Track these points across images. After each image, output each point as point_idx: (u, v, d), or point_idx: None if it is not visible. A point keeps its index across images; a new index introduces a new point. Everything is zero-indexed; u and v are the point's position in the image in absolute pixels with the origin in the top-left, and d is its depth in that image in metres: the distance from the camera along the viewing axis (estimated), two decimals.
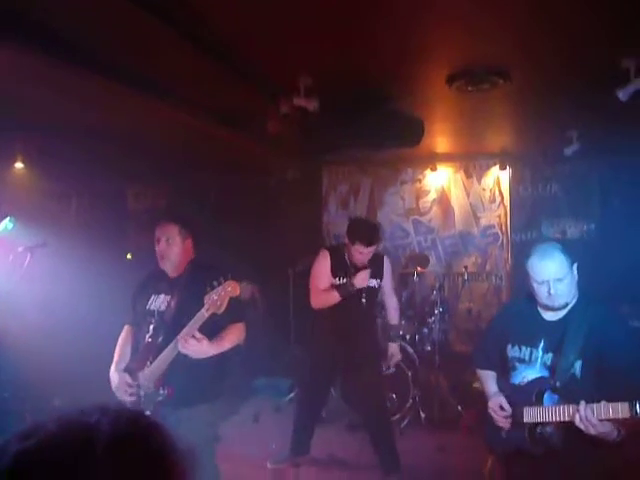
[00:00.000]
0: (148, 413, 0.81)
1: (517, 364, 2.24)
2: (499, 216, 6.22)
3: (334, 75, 3.29)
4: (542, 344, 2.18)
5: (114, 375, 2.66)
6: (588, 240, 5.76)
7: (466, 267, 5.72)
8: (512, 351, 2.27)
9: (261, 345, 5.42)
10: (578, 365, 2.06)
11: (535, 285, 2.15)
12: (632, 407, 1.79)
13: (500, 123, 4.84)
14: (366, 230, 3.61)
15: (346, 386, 4.51)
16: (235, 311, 2.56)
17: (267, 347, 5.61)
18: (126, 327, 2.88)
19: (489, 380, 2.40)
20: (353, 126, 3.81)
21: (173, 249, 2.72)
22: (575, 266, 2.13)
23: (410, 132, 4.06)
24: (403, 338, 4.95)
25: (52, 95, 3.44)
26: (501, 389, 2.31)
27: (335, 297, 3.58)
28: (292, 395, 5.24)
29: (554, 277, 2.09)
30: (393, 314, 4.04)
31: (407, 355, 4.76)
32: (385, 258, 3.90)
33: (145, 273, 2.95)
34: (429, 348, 5.04)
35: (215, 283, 2.40)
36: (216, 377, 2.73)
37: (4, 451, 0.60)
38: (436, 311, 5.01)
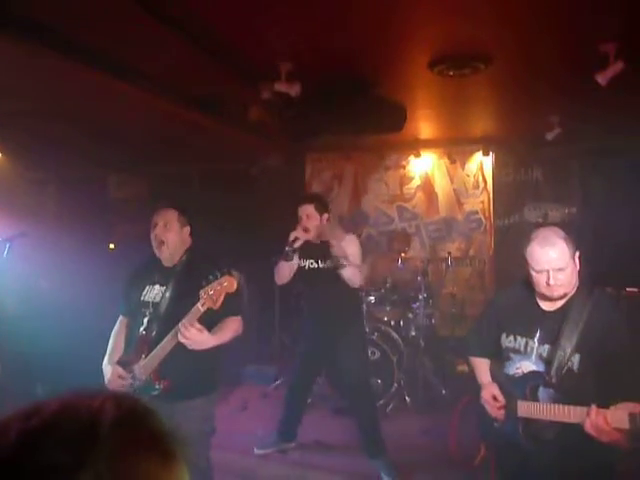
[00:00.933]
0: None
1: (512, 354, 2.13)
2: (482, 201, 6.27)
3: (316, 61, 3.26)
4: (538, 335, 2.06)
5: (107, 367, 2.60)
6: (569, 223, 5.83)
7: (450, 252, 5.75)
8: (506, 341, 2.16)
9: (248, 333, 5.42)
10: (576, 359, 1.94)
11: (533, 273, 2.00)
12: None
13: (482, 109, 4.85)
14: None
15: (331, 370, 4.53)
16: (232, 305, 2.49)
17: (254, 335, 5.62)
18: (120, 318, 2.79)
19: (482, 369, 2.29)
20: (335, 112, 3.79)
21: (170, 234, 2.63)
22: (577, 254, 1.98)
23: (393, 118, 4.05)
24: (388, 324, 4.99)
25: (30, 82, 3.37)
26: (494, 378, 2.22)
27: (283, 265, 3.53)
28: (278, 382, 5.26)
29: (554, 267, 1.93)
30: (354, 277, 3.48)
31: (392, 340, 4.80)
32: (349, 237, 3.62)
33: (138, 262, 2.84)
34: (414, 333, 5.08)
35: (211, 277, 2.32)
36: (212, 370, 2.68)
37: (5, 429, 0.59)
38: (420, 296, 5.04)
